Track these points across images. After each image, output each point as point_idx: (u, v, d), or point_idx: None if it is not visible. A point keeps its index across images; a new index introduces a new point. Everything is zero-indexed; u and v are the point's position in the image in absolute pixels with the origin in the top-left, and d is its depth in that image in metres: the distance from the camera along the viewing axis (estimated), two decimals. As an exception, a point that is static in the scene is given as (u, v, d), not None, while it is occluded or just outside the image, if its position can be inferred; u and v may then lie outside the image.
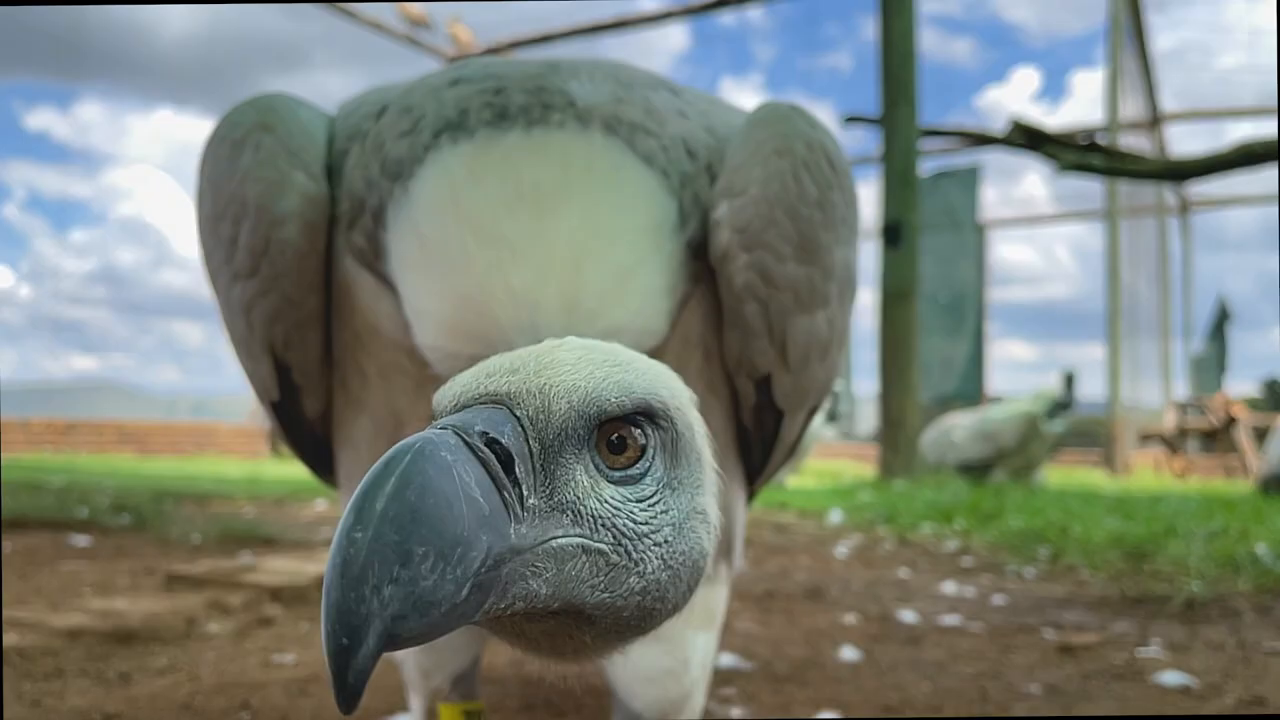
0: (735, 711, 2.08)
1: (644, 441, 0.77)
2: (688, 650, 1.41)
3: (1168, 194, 17.52)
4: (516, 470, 0.69)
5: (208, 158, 1.24)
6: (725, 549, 1.43)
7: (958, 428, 8.76)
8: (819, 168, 1.18)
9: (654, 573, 0.76)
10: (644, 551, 0.75)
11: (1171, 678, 2.36)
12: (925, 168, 14.60)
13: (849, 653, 2.58)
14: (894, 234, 8.06)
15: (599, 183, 1.12)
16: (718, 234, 1.17)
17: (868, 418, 17.84)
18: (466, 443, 0.67)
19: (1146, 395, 16.07)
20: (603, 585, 0.73)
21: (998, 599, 3.42)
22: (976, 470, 8.36)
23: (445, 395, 0.77)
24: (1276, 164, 5.67)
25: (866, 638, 2.82)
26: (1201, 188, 17.83)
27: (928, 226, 12.51)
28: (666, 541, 0.77)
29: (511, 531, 0.68)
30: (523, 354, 0.77)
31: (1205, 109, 16.78)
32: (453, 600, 0.63)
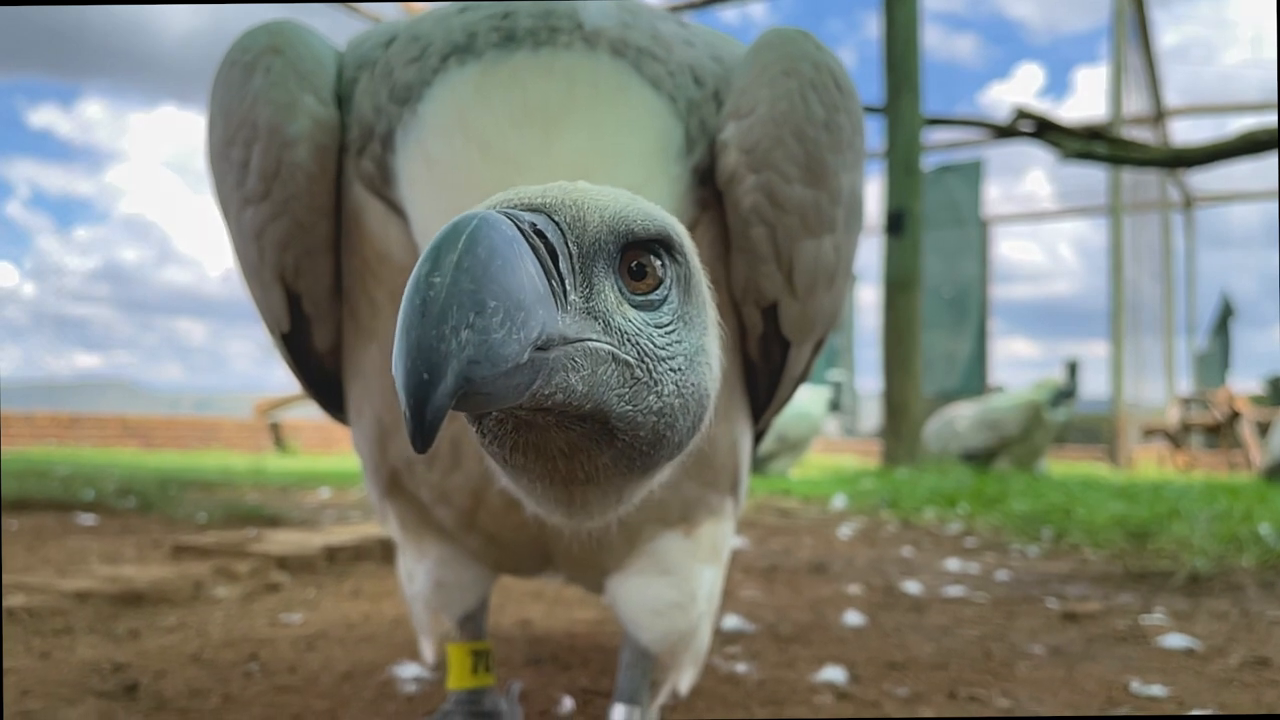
0: (740, 667, 2.09)
1: (662, 273, 0.80)
2: (694, 584, 1.42)
3: (1171, 189, 17.49)
4: (560, 265, 0.72)
5: (218, 83, 1.25)
6: (731, 484, 1.44)
7: (961, 417, 8.76)
8: (826, 89, 1.19)
9: (669, 396, 0.79)
10: (662, 374, 0.78)
11: (1175, 640, 2.37)
12: (928, 162, 14.59)
13: (853, 617, 2.59)
14: (897, 222, 8.05)
15: (605, 103, 1.13)
16: (725, 156, 1.18)
17: (871, 415, 17.84)
18: (519, 227, 0.69)
19: (1150, 392, 16.04)
20: (627, 396, 0.76)
21: (1001, 574, 3.42)
22: (980, 459, 8.37)
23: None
24: (1278, 154, 5.67)
25: (870, 605, 2.82)
26: (1205, 183, 17.81)
27: (931, 221, 12.50)
28: (680, 369, 0.81)
29: (559, 318, 0.70)
30: (547, 185, 0.79)
31: (1208, 105, 16.77)
32: (516, 360, 0.64)
